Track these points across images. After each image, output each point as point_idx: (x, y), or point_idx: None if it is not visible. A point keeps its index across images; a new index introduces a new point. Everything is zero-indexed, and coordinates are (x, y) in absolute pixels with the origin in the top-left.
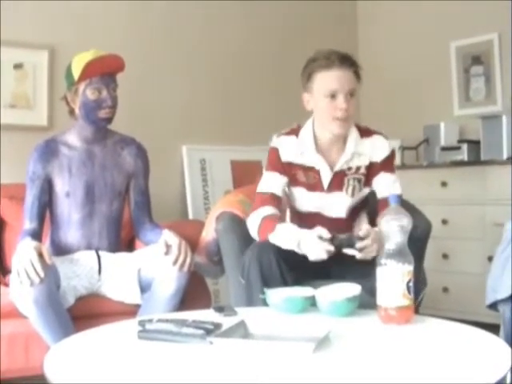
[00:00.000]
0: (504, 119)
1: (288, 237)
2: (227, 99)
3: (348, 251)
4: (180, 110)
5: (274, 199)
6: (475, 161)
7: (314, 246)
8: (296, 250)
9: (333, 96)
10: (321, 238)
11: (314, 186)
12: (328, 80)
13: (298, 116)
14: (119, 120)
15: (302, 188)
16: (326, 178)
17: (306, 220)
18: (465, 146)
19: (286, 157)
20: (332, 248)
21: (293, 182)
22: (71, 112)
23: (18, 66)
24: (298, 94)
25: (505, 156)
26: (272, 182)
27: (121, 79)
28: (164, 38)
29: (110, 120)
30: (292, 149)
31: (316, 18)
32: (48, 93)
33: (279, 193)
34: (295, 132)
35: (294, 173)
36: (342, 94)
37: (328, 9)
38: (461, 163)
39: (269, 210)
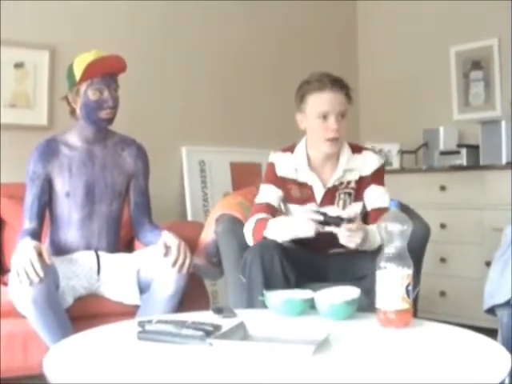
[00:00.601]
0: (503, 124)
1: (280, 226)
2: (227, 101)
3: (333, 229)
4: (180, 112)
5: (269, 208)
6: (474, 165)
7: (302, 220)
8: (289, 236)
9: (324, 117)
10: (312, 210)
11: (308, 199)
12: (320, 102)
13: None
14: (119, 121)
15: (297, 204)
16: (319, 193)
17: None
18: (464, 151)
19: (281, 172)
20: (319, 217)
21: (288, 197)
22: (72, 112)
23: (18, 66)
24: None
25: (504, 161)
26: (268, 194)
27: (121, 80)
28: (164, 39)
29: (110, 120)
30: (287, 165)
31: (316, 21)
32: (48, 92)
33: (274, 203)
34: (290, 149)
35: (288, 187)
36: (333, 116)
37: (328, 12)
38: (460, 168)
39: (263, 215)
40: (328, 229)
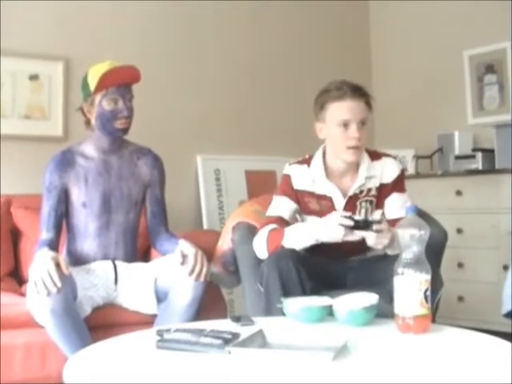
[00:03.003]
0: None
1: (300, 232)
2: (242, 109)
3: (361, 233)
4: (195, 120)
5: (281, 221)
6: (490, 169)
7: (329, 224)
8: (312, 241)
9: (345, 125)
10: (340, 215)
11: (327, 213)
12: (341, 110)
13: (311, 127)
14: (134, 130)
15: (316, 216)
16: (339, 204)
17: (321, 245)
18: (479, 155)
19: (297, 185)
20: (350, 222)
21: (305, 210)
22: (87, 123)
23: (33, 78)
24: (312, 104)
25: None
26: (280, 207)
27: (136, 90)
28: (178, 49)
29: (126, 130)
30: (304, 177)
31: (329, 28)
32: (63, 103)
33: (287, 217)
34: (307, 162)
35: (306, 201)
36: (355, 124)
37: (340, 18)
38: (475, 172)
39: (275, 226)
40: (358, 233)
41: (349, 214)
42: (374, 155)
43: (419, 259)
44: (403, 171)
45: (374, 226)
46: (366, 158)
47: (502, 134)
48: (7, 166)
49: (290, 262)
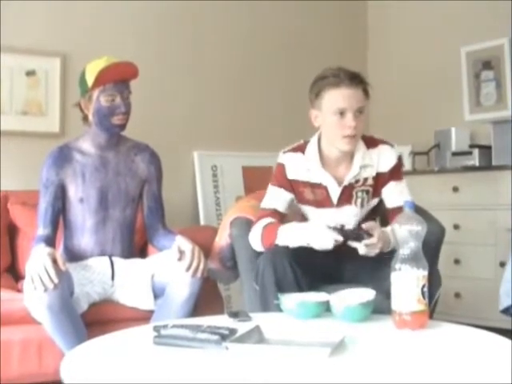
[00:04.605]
0: None
1: (293, 232)
2: (238, 105)
3: (353, 244)
4: (191, 116)
5: (276, 214)
6: (487, 166)
7: (320, 234)
8: (304, 243)
9: (341, 113)
10: (329, 227)
11: (323, 202)
12: (337, 98)
13: (308, 122)
14: (131, 126)
15: (310, 206)
16: (335, 193)
17: None
18: (476, 151)
19: (292, 174)
20: (340, 238)
21: (300, 199)
22: (85, 118)
23: (30, 73)
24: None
25: None
26: (276, 198)
27: (133, 86)
28: (176, 45)
29: (123, 126)
30: (298, 166)
31: (326, 21)
32: (60, 99)
33: (282, 209)
34: (301, 149)
35: (301, 190)
36: (351, 112)
37: (339, 15)
38: (472, 168)
39: (269, 220)
40: (350, 243)
41: (338, 226)
42: (371, 142)
43: (416, 255)
44: (400, 158)
45: (363, 241)
46: (361, 146)
47: (498, 130)
48: (4, 161)
49: (286, 261)
